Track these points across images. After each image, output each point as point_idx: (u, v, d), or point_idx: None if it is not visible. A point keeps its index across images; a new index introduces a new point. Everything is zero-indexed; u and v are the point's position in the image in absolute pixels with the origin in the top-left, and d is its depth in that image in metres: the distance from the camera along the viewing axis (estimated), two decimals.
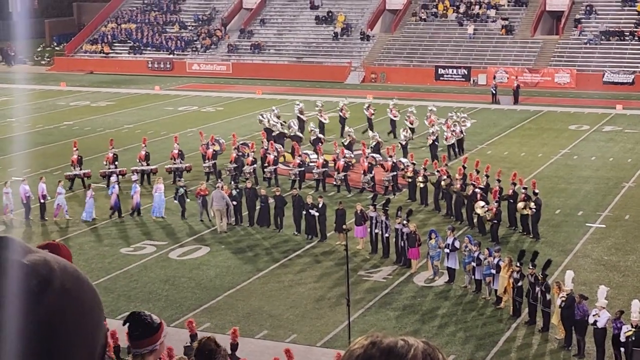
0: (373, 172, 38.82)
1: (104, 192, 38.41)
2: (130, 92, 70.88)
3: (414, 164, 38.46)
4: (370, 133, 45.64)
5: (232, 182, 38.61)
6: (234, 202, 34.69)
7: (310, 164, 40.28)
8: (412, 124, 47.20)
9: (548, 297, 24.70)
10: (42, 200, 35.57)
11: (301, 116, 50.01)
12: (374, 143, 42.97)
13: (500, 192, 33.80)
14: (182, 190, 35.62)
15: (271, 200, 34.34)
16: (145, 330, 5.62)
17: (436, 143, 43.83)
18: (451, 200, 35.35)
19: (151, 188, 37.65)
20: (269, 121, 47.81)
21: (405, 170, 38.16)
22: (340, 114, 50.72)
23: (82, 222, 35.58)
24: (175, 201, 35.90)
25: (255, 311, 26.59)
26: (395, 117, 49.77)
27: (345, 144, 43.12)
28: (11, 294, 2.02)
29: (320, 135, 44.89)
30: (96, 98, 68.14)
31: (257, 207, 34.77)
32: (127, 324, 5.64)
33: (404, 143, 43.77)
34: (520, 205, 32.77)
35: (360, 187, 39.00)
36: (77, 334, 2.11)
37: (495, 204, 32.50)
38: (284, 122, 47.87)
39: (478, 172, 35.97)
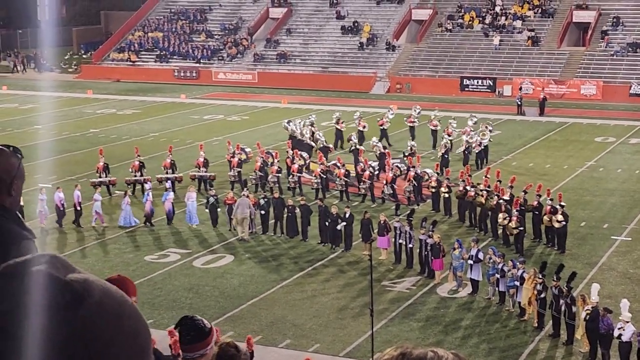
0: (395, 183, 38.85)
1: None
2: (156, 101, 71.19)
3: (438, 173, 38.46)
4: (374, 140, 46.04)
5: (262, 191, 38.77)
6: (262, 212, 34.79)
7: (335, 172, 40.38)
8: (449, 136, 46.72)
9: (573, 309, 24.58)
10: (78, 208, 35.88)
11: (337, 126, 50.09)
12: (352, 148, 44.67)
13: (524, 203, 33.72)
14: (212, 199, 35.72)
15: (297, 210, 34.41)
16: (197, 335, 5.63)
17: (445, 156, 43.76)
18: (475, 212, 35.27)
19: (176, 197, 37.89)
20: (294, 131, 47.92)
21: (429, 180, 38.13)
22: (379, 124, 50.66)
23: (118, 227, 35.90)
24: (206, 210, 36.00)
25: (279, 320, 26.62)
26: (435, 127, 49.49)
27: (350, 150, 43.71)
28: (43, 308, 2.05)
29: (360, 147, 44.96)
30: (122, 106, 68.48)
31: (284, 217, 34.83)
32: (179, 328, 5.65)
33: (408, 153, 43.48)
34: (546, 218, 32.66)
35: (381, 197, 38.98)
36: (115, 355, 2.12)
37: (516, 212, 32.44)
38: (312, 134, 47.87)
39: (500, 181, 35.90)
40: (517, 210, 32.66)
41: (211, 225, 35.79)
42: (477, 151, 45.32)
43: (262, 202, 35.04)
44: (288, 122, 49.73)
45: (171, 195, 36.76)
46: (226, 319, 26.69)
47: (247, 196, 35.09)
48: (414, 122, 50.50)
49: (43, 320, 2.04)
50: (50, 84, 78.37)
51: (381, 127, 49.96)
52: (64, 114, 64.09)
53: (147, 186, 37.76)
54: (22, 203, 34.43)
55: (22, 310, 2.05)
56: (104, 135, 55.45)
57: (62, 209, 35.69)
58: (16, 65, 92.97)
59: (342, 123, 50.32)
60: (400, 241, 31.23)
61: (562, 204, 33.08)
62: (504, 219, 32.51)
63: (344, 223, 32.71)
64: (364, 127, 49.42)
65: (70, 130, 57.35)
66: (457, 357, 2.18)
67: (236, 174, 40.92)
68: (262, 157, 41.36)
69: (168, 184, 38.17)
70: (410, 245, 30.88)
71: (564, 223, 32.22)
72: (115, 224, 36.26)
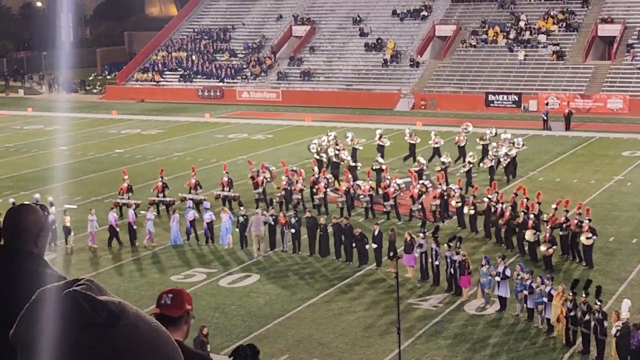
0: (422, 199, 38.62)
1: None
2: (181, 120, 71.38)
3: (460, 189, 38.27)
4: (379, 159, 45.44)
5: (286, 210, 38.64)
6: (293, 230, 34.64)
7: (358, 192, 40.21)
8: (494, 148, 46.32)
9: (605, 325, 24.23)
10: (135, 227, 36.13)
11: (410, 141, 49.78)
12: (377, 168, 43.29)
13: (558, 222, 33.41)
14: (242, 219, 35.59)
15: (330, 230, 34.23)
16: None
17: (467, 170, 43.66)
18: (501, 228, 34.94)
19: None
20: (318, 151, 47.71)
21: (454, 197, 37.89)
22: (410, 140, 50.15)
23: (169, 245, 36.04)
24: (236, 229, 35.89)
25: (305, 339, 26.44)
26: (483, 141, 48.50)
27: (416, 170, 42.53)
28: (79, 327, 2.16)
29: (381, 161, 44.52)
30: (147, 126, 68.69)
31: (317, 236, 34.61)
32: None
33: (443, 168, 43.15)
34: (583, 237, 32.18)
35: (408, 214, 38.76)
36: None
37: (549, 229, 32.16)
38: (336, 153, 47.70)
39: (528, 199, 35.59)
40: (550, 228, 32.35)
41: (240, 245, 35.55)
42: (504, 165, 45.07)
43: (292, 220, 34.90)
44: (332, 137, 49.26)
45: (191, 213, 36.69)
46: (252, 338, 26.51)
47: (274, 216, 35.06)
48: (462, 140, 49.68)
49: (79, 340, 2.15)
50: (75, 105, 78.94)
51: (458, 145, 48.89)
52: (89, 135, 64.39)
53: (189, 204, 37.86)
54: (68, 224, 34.89)
55: (55, 332, 2.15)
56: (129, 156, 55.59)
57: (116, 229, 35.94)
58: (50, 86, 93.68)
59: (415, 136, 49.82)
60: (433, 261, 30.96)
61: (589, 218, 32.74)
62: (533, 234, 32.26)
63: (375, 245, 32.54)
64: (437, 143, 48.66)
65: (95, 151, 57.55)
66: None
67: (261, 192, 40.87)
68: (288, 176, 41.24)
69: (206, 205, 38.18)
70: (437, 263, 30.66)
71: (594, 239, 31.88)
72: (138, 243, 36.25)
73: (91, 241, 35.83)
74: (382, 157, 46.49)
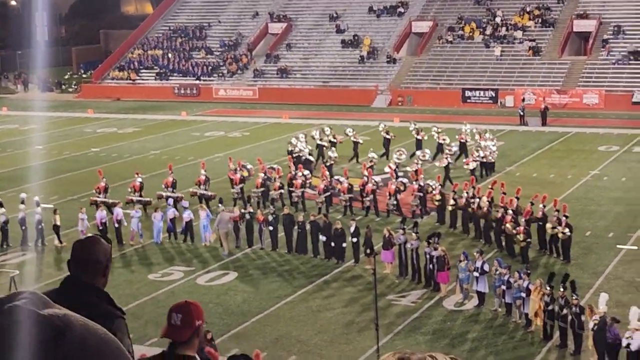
0: (400, 195, 38.63)
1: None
2: (157, 118, 71.09)
3: (441, 185, 38.23)
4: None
5: (264, 208, 38.49)
6: (270, 228, 34.52)
7: (338, 188, 40.10)
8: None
9: (582, 319, 24.30)
10: (117, 225, 35.93)
11: (387, 136, 50.03)
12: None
13: (531, 214, 33.50)
14: None
15: (308, 227, 34.13)
16: None
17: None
18: (479, 224, 35.01)
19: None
20: (296, 147, 47.63)
21: (434, 193, 37.86)
22: (387, 136, 50.38)
23: (150, 243, 36.00)
24: (215, 227, 35.75)
25: (284, 336, 26.38)
26: (462, 140, 48.44)
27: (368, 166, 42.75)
28: (24, 343, 2.06)
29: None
30: (123, 125, 68.36)
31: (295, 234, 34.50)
32: None
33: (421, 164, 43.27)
34: (549, 225, 32.45)
35: (386, 210, 38.74)
36: None
37: (524, 222, 32.25)
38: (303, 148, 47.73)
39: (505, 193, 35.65)
40: (525, 221, 32.47)
41: (218, 242, 35.49)
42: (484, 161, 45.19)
43: (270, 218, 34.79)
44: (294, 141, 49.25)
45: (171, 211, 36.60)
46: (230, 336, 26.45)
47: (252, 213, 34.95)
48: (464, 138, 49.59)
49: (21, 357, 2.06)
50: (51, 104, 78.49)
51: (460, 141, 48.43)
52: (64, 134, 64.02)
53: (169, 202, 37.73)
54: (58, 223, 34.64)
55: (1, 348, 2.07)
56: (105, 154, 55.32)
57: (102, 227, 35.73)
58: (25, 85, 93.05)
59: (422, 133, 49.70)
60: (406, 250, 30.98)
61: (566, 214, 32.81)
62: (513, 229, 32.28)
63: (355, 239, 32.51)
64: (444, 140, 48.00)
65: (71, 150, 57.24)
66: None
67: (239, 190, 40.74)
68: (264, 173, 41.11)
69: (185, 204, 37.96)
70: (409, 245, 30.60)
71: (569, 234, 31.99)
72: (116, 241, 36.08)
73: None
74: (387, 150, 48.51)
